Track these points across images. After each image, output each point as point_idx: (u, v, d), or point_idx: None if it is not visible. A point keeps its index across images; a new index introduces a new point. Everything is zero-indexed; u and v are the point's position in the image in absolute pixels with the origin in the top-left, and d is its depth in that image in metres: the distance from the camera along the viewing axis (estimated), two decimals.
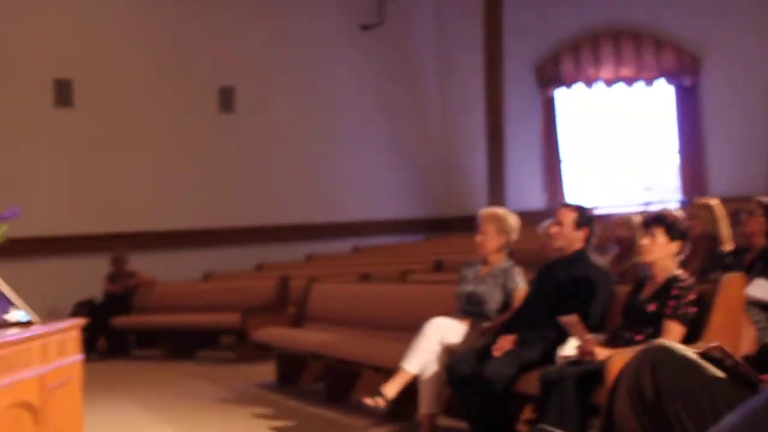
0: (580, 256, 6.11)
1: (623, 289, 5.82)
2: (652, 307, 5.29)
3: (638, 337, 5.19)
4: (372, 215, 18.16)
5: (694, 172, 17.41)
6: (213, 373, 10.91)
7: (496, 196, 17.04)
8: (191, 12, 16.36)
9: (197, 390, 9.60)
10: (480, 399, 5.62)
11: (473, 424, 5.86)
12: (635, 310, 5.40)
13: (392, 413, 6.80)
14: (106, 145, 15.42)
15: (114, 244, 14.33)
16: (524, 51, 17.99)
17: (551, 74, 18.27)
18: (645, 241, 5.45)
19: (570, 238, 6.14)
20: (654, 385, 3.76)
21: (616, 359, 4.64)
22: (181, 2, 16.27)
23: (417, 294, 8.38)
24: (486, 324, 6.46)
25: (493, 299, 6.59)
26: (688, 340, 4.91)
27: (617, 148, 18.43)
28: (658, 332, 5.10)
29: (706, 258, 6.85)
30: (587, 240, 6.16)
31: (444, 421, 6.57)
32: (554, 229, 6.25)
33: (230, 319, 11.67)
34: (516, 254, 7.02)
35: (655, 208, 13.67)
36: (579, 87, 18.19)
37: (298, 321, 10.00)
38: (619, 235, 8.02)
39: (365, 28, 18.17)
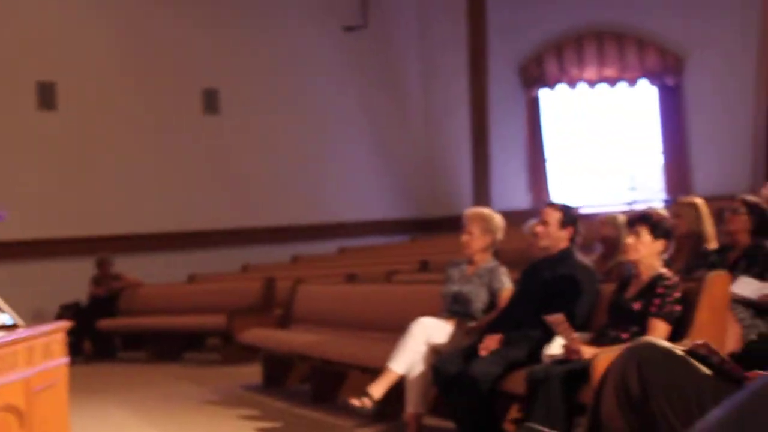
0: (565, 256, 6.12)
1: (608, 288, 5.84)
2: (637, 306, 5.31)
3: (624, 336, 5.22)
4: (357, 216, 18.16)
5: (678, 171, 17.49)
6: (199, 374, 10.90)
7: (481, 196, 17.07)
8: (174, 14, 16.33)
9: (183, 392, 9.60)
10: (466, 398, 5.63)
11: (460, 424, 5.86)
12: (620, 309, 5.42)
13: (379, 413, 6.80)
14: (90, 147, 15.37)
15: (98, 246, 14.29)
16: (508, 52, 18.03)
17: (535, 75, 18.31)
18: (630, 240, 5.47)
19: (555, 237, 6.16)
20: (640, 382, 3.78)
21: (601, 358, 4.65)
22: (165, 5, 16.24)
23: (403, 294, 8.38)
24: (472, 324, 6.47)
25: (479, 299, 6.60)
26: (673, 338, 4.93)
27: (601, 148, 18.49)
28: (643, 330, 5.12)
29: (691, 256, 6.87)
30: (572, 239, 6.18)
31: (430, 421, 6.57)
32: (539, 229, 6.26)
33: (216, 320, 11.65)
34: (501, 254, 7.03)
35: (639, 207, 13.73)
36: (563, 87, 18.24)
37: (284, 322, 9.99)
38: (604, 234, 8.05)
39: (349, 29, 18.17)
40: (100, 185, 15.42)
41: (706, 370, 3.73)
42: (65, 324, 4.52)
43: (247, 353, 10.43)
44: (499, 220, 6.82)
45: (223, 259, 16.01)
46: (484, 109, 17.55)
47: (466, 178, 17.93)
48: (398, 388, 6.26)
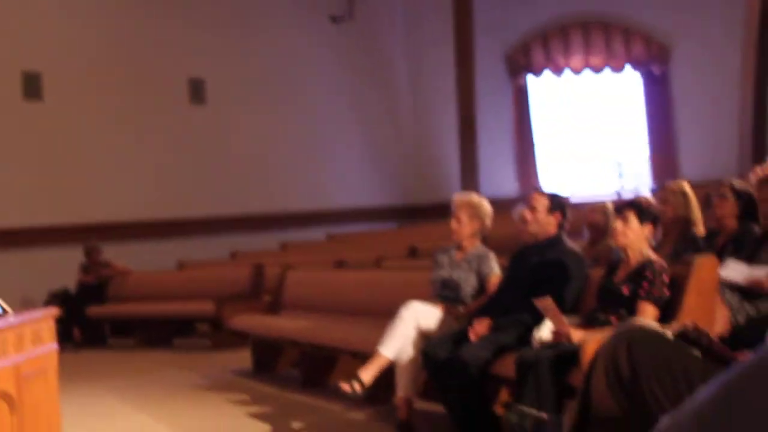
0: (553, 241, 6.16)
1: (597, 273, 5.88)
2: (626, 290, 5.34)
3: (612, 319, 5.25)
4: (346, 203, 18.19)
5: (664, 158, 17.53)
6: (189, 361, 10.91)
7: (469, 183, 17.09)
8: (160, 5, 16.30)
9: (173, 378, 9.61)
10: (457, 382, 5.65)
11: (450, 408, 5.89)
12: (609, 293, 5.46)
13: (369, 398, 6.83)
14: (76, 137, 15.33)
15: (87, 234, 14.28)
16: (495, 40, 18.05)
17: (522, 63, 18.33)
18: (618, 225, 5.50)
19: (543, 223, 6.19)
20: (630, 363, 3.81)
21: (590, 341, 4.69)
22: None
23: (392, 280, 8.40)
24: (461, 309, 6.49)
25: (468, 284, 6.62)
26: (661, 321, 4.96)
27: (589, 135, 18.52)
28: (631, 314, 5.16)
29: (679, 241, 6.91)
30: (560, 225, 6.21)
31: (421, 405, 6.61)
32: (528, 215, 6.29)
33: (205, 307, 11.66)
34: (490, 240, 7.06)
35: (626, 193, 13.78)
36: (549, 75, 18.25)
37: (274, 308, 10.00)
38: (592, 220, 8.10)
39: (336, 19, 18.17)
40: (87, 174, 15.39)
41: (695, 352, 3.76)
42: (54, 311, 4.53)
43: (237, 339, 10.44)
44: (487, 206, 6.86)
45: (211, 246, 16.03)
46: (471, 97, 17.56)
47: (453, 165, 17.96)
48: (388, 372, 6.28)
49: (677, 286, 5.26)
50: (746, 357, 1.25)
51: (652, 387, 3.71)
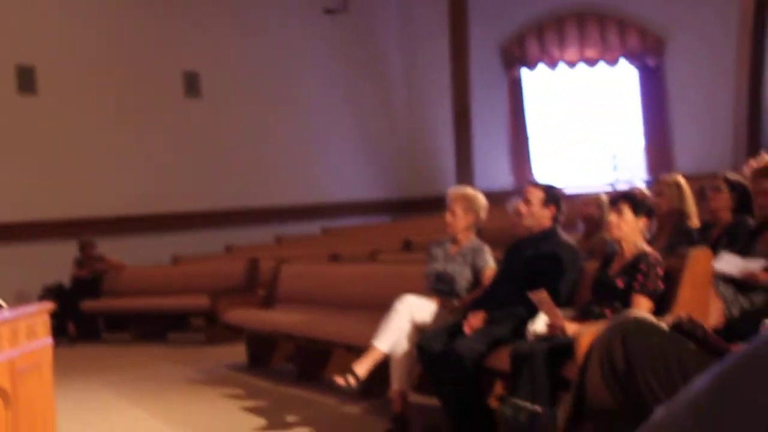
0: (548, 234, 6.15)
1: (592, 265, 5.88)
2: (620, 282, 5.34)
3: (607, 312, 5.25)
4: (340, 197, 18.18)
5: (659, 150, 17.55)
6: (183, 355, 10.91)
7: (464, 176, 17.10)
8: None
9: (168, 372, 9.61)
10: (451, 375, 5.65)
11: (444, 401, 5.89)
12: (604, 286, 5.46)
13: (363, 391, 6.83)
14: (71, 130, 15.32)
15: (81, 229, 14.28)
16: (489, 32, 18.03)
17: (516, 55, 18.32)
18: (613, 218, 5.50)
19: (538, 216, 6.18)
20: (625, 355, 3.81)
21: (585, 333, 4.68)
22: None
23: (386, 274, 8.41)
24: (456, 302, 6.49)
25: (463, 277, 6.62)
26: (656, 314, 4.95)
27: (583, 127, 18.52)
28: (626, 307, 5.15)
29: (673, 234, 6.92)
30: (555, 218, 6.21)
31: (415, 398, 6.61)
32: (522, 208, 6.29)
33: (200, 301, 11.65)
34: (484, 233, 7.06)
35: (621, 186, 13.79)
36: (543, 68, 18.25)
37: (268, 302, 10.00)
38: (587, 213, 8.10)
39: (330, 11, 18.15)
40: (81, 168, 15.37)
41: (690, 343, 3.77)
42: (49, 305, 4.52)
43: (231, 333, 10.44)
44: (482, 199, 6.85)
45: (206, 240, 16.01)
46: (466, 90, 17.55)
47: (448, 158, 17.95)
48: (383, 366, 6.28)
49: (672, 278, 5.26)
50: (740, 348, 1.25)
51: (647, 378, 3.72)
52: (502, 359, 5.39)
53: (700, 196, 7.57)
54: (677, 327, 3.82)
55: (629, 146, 18.24)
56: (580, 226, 8.36)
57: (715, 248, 6.00)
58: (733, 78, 15.86)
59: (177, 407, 7.69)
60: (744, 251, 5.79)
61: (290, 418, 6.79)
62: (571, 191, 14.10)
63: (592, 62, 17.92)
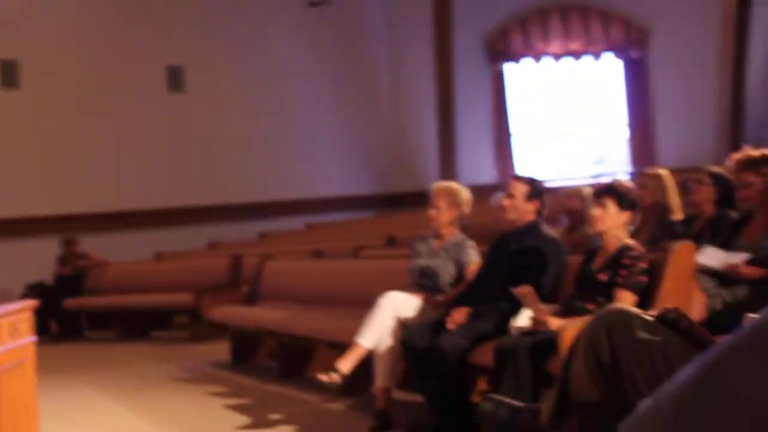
0: (532, 228, 6.15)
1: (575, 260, 5.87)
2: (603, 277, 5.34)
3: (590, 307, 5.24)
4: (324, 192, 18.17)
5: (643, 143, 17.59)
6: (167, 352, 10.87)
7: (448, 171, 17.11)
8: None
9: (152, 370, 9.58)
10: (435, 371, 5.64)
11: (428, 397, 5.88)
12: (587, 280, 5.45)
13: (347, 388, 6.82)
14: (54, 126, 15.26)
15: (64, 225, 14.22)
16: (473, 26, 18.04)
17: (500, 49, 18.33)
18: (596, 212, 5.49)
19: (522, 210, 6.18)
20: (610, 347, 3.80)
21: (568, 328, 4.68)
22: None
23: (370, 269, 8.40)
24: (440, 298, 6.48)
25: (447, 273, 6.61)
26: (639, 308, 4.95)
27: (567, 121, 18.55)
28: (609, 301, 5.14)
29: (657, 227, 6.93)
30: (539, 212, 6.21)
31: (399, 395, 6.60)
32: (506, 202, 6.28)
33: (183, 298, 11.61)
34: (468, 228, 7.05)
35: (605, 179, 13.81)
36: (528, 61, 18.28)
37: (252, 299, 9.98)
38: (570, 206, 8.11)
39: (314, 5, 18.12)
40: (64, 164, 15.32)
41: (675, 335, 3.76)
42: (32, 303, 4.50)
43: (215, 330, 10.43)
44: (465, 193, 6.84)
45: (189, 236, 15.99)
46: (450, 84, 17.57)
47: (432, 153, 17.96)
48: (367, 362, 6.27)
49: (655, 272, 5.26)
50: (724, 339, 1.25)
51: (632, 370, 3.71)
52: (485, 355, 5.38)
53: (684, 189, 7.59)
54: (662, 318, 3.81)
55: (613, 139, 18.28)
56: (564, 220, 8.37)
57: (698, 241, 6.01)
58: (716, 70, 15.90)
59: (161, 405, 7.66)
60: (726, 244, 5.79)
61: (274, 416, 6.77)
62: (556, 185, 14.14)
63: (576, 55, 17.95)
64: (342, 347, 6.47)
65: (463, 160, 17.66)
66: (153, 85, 16.44)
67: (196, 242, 15.79)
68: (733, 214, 6.29)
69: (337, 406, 7.04)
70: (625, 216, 5.46)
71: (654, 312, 3.97)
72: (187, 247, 15.38)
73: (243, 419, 6.70)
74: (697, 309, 5.23)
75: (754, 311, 3.60)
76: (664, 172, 7.40)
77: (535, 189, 6.22)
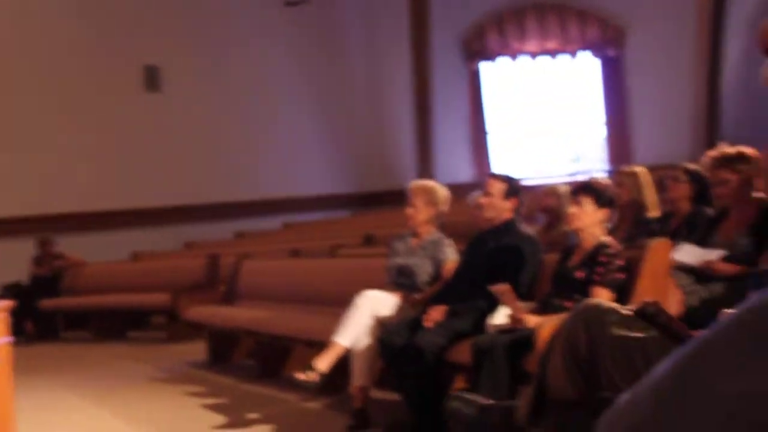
0: (509, 226, 6.15)
1: (552, 258, 5.88)
2: (580, 274, 5.34)
3: (567, 304, 5.25)
4: (301, 191, 18.15)
5: (619, 141, 17.66)
6: (144, 353, 10.83)
7: (425, 169, 17.13)
8: None
9: (128, 371, 9.54)
10: (412, 370, 5.64)
11: (406, 395, 5.88)
12: (564, 278, 5.46)
13: (325, 387, 6.81)
14: (29, 126, 15.18)
15: (40, 226, 14.14)
16: (450, 25, 18.06)
17: (477, 48, 18.35)
18: (573, 209, 5.50)
19: (499, 208, 6.18)
20: (588, 342, 3.81)
21: (545, 325, 4.69)
22: None
23: (347, 268, 8.40)
24: (417, 296, 6.48)
25: (424, 271, 6.61)
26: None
27: (544, 119, 18.60)
28: (586, 298, 5.16)
29: (633, 224, 6.95)
30: (516, 210, 6.21)
31: (377, 394, 6.59)
32: (483, 200, 6.29)
33: (160, 298, 11.58)
34: (446, 226, 7.05)
35: (581, 177, 13.85)
36: (505, 60, 18.31)
37: (229, 298, 9.95)
38: (546, 204, 8.12)
39: (291, 4, 18.08)
40: (40, 164, 15.24)
41: (653, 330, 3.77)
42: (8, 304, 4.47)
43: (192, 330, 10.39)
44: (443, 192, 6.84)
45: (166, 236, 15.94)
46: (426, 83, 17.58)
47: (409, 151, 17.97)
48: (344, 361, 6.26)
49: (631, 269, 5.27)
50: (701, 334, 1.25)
51: (607, 366, 3.72)
52: (463, 353, 5.38)
53: (660, 186, 7.62)
54: (641, 312, 3.82)
55: (590, 137, 18.33)
56: (541, 218, 8.38)
57: (675, 238, 6.03)
58: (692, 69, 15.97)
59: (138, 405, 7.63)
60: (702, 241, 5.82)
61: (251, 415, 6.75)
62: (533, 183, 14.17)
63: (553, 54, 17.99)
64: (319, 346, 6.46)
65: (441, 159, 17.69)
66: (130, 85, 16.38)
67: (173, 242, 15.74)
68: (709, 211, 6.32)
69: (314, 405, 7.03)
70: (601, 214, 5.47)
71: (633, 306, 3.98)
72: (164, 246, 15.33)
73: (220, 419, 6.67)
74: (673, 305, 5.25)
75: (729, 307, 3.60)
76: (640, 169, 7.43)
77: (513, 187, 6.23)
